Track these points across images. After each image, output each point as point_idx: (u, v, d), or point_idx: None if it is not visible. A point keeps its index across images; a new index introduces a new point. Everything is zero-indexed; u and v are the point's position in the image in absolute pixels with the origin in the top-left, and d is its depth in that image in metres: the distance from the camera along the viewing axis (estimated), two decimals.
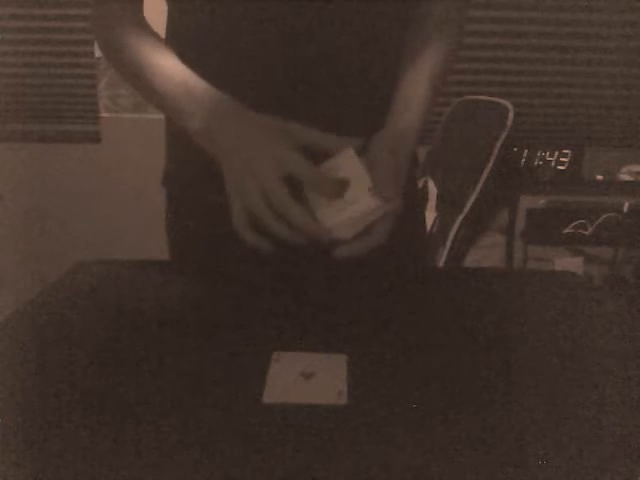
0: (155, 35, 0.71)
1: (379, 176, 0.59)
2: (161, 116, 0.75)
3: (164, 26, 0.78)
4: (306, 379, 0.48)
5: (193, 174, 0.79)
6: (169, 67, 0.67)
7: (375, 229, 0.60)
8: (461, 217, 1.80)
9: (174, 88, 0.65)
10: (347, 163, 0.59)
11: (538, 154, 2.32)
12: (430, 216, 1.92)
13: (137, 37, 0.70)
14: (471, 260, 1.94)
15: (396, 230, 0.62)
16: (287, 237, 0.58)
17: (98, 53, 2.36)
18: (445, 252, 1.80)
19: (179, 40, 0.75)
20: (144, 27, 0.72)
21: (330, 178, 0.58)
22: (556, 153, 2.32)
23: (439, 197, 1.93)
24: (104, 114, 2.44)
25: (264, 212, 0.57)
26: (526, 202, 2.24)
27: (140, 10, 0.74)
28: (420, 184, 1.96)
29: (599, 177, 2.36)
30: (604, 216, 2.20)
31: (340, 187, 0.58)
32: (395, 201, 0.60)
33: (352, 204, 0.58)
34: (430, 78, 0.72)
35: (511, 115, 1.83)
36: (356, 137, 0.59)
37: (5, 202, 2.44)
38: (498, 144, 1.80)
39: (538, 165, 2.32)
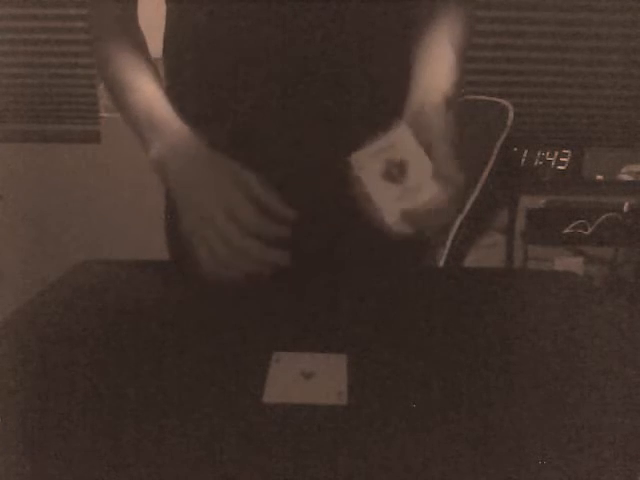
0: (141, 49, 0.71)
1: (437, 156, 0.52)
2: None
3: (164, 26, 0.78)
4: (306, 379, 0.48)
5: None
6: (142, 90, 0.66)
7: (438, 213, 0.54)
8: (461, 217, 1.80)
9: (139, 114, 0.65)
10: (403, 143, 0.52)
11: (538, 154, 2.32)
12: None
13: (122, 51, 0.69)
14: (471, 260, 1.93)
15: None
16: (249, 268, 0.58)
17: None
18: (445, 252, 1.80)
19: (178, 40, 0.75)
20: (133, 38, 0.72)
21: (388, 159, 0.51)
22: (556, 153, 2.32)
23: None
24: (104, 114, 2.44)
25: (220, 251, 0.57)
26: (526, 202, 2.24)
27: (134, 18, 0.74)
28: None
29: (599, 177, 2.36)
30: (604, 216, 2.20)
31: (400, 170, 0.52)
32: (460, 182, 0.53)
33: (415, 192, 0.51)
34: (451, 40, 0.68)
35: (511, 115, 1.83)
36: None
37: (5, 202, 2.44)
38: (498, 144, 1.81)
39: (538, 165, 2.32)
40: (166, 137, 0.63)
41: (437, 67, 0.64)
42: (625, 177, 2.36)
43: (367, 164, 0.54)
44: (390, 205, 0.53)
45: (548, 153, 2.32)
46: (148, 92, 0.66)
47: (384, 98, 0.73)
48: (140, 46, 0.72)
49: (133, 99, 0.66)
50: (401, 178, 0.52)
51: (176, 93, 0.74)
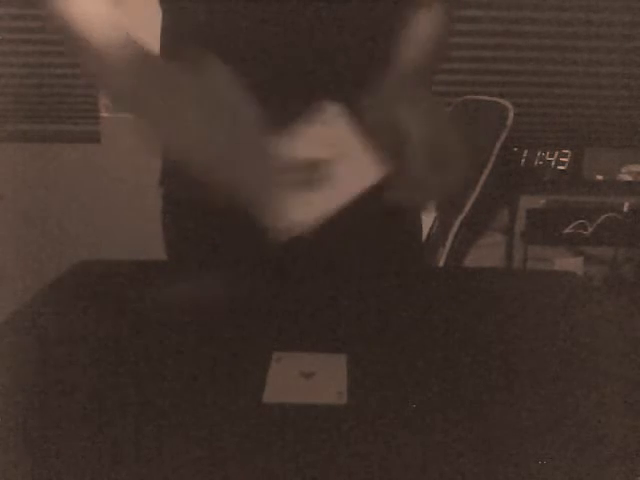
0: None
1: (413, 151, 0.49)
2: None
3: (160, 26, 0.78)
4: (306, 379, 0.48)
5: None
6: None
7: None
8: (461, 217, 1.80)
9: None
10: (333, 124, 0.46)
11: (538, 154, 2.32)
12: (430, 216, 1.92)
13: None
14: (471, 260, 1.93)
15: (393, 230, 0.62)
16: None
17: None
18: (445, 252, 1.80)
19: (176, 40, 0.75)
20: None
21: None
22: (556, 153, 2.32)
23: None
24: (104, 114, 2.44)
25: None
26: (526, 202, 2.24)
27: None
28: None
29: (599, 177, 2.36)
30: (604, 216, 2.20)
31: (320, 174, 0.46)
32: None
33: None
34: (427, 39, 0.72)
35: (511, 115, 1.83)
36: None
37: (5, 202, 2.44)
38: (498, 144, 1.81)
39: (538, 165, 2.32)
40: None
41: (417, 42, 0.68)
42: (625, 177, 2.36)
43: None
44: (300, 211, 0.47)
45: (548, 153, 2.32)
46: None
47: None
48: None
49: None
50: (318, 183, 0.46)
51: None
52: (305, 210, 0.47)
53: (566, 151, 2.31)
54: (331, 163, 0.47)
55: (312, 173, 0.47)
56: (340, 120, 0.48)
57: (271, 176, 0.45)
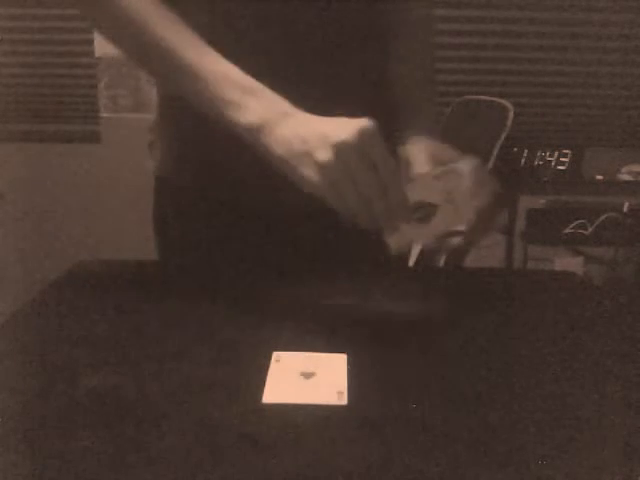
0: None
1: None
2: None
3: None
4: (306, 379, 0.48)
5: (191, 170, 0.79)
6: (214, 58, 0.63)
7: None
8: None
9: (222, 77, 0.62)
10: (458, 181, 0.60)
11: (538, 154, 2.32)
12: None
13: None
14: (471, 260, 1.93)
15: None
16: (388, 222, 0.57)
17: (98, 53, 2.36)
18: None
19: None
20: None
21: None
22: (556, 153, 2.32)
23: None
24: (104, 114, 2.44)
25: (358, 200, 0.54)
26: (526, 202, 2.24)
27: None
28: None
29: (599, 177, 2.36)
30: (604, 216, 2.20)
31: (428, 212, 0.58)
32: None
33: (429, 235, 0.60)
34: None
35: (511, 115, 1.83)
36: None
37: (5, 202, 2.44)
38: (498, 144, 1.80)
39: (538, 165, 2.32)
40: (267, 100, 0.60)
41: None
42: (625, 177, 2.36)
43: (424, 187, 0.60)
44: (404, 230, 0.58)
45: (548, 153, 2.32)
46: (222, 61, 0.63)
47: (384, 97, 0.74)
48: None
49: (208, 67, 0.62)
50: (426, 218, 0.59)
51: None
52: (412, 237, 0.60)
53: (566, 151, 2.31)
54: (438, 207, 0.59)
55: (422, 212, 0.59)
56: (469, 174, 0.60)
57: (398, 213, 0.57)
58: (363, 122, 0.53)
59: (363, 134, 0.53)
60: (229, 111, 0.61)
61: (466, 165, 0.60)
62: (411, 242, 0.60)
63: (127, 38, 0.66)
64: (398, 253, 0.59)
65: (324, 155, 0.53)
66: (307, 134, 0.56)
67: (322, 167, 0.54)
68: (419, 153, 0.64)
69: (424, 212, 0.59)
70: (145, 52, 0.65)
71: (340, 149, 0.53)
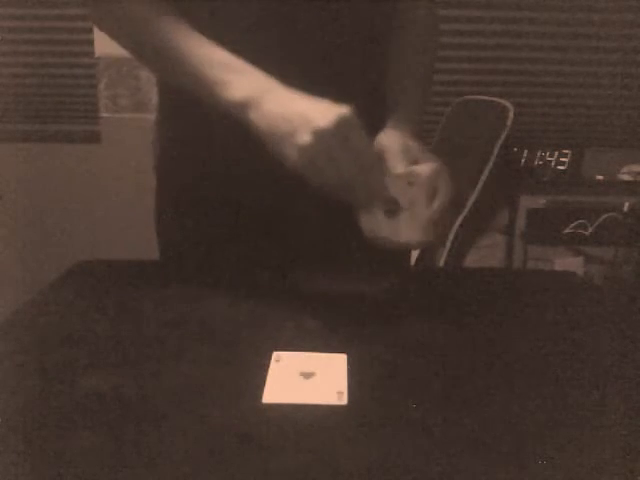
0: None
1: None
2: None
3: None
4: (306, 379, 0.48)
5: (191, 170, 0.79)
6: (206, 44, 0.64)
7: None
8: (461, 217, 1.80)
9: (210, 57, 0.63)
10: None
11: (538, 154, 2.32)
12: None
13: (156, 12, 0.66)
14: (471, 260, 1.93)
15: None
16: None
17: (98, 53, 2.36)
18: (445, 252, 1.80)
19: None
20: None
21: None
22: (556, 153, 2.32)
23: None
24: (104, 114, 2.44)
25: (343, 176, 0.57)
26: (526, 202, 2.24)
27: None
28: None
29: (599, 177, 2.36)
30: (604, 216, 2.20)
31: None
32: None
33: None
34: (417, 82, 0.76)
35: (511, 115, 1.83)
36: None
37: (5, 202, 2.44)
38: (498, 144, 1.80)
39: (538, 165, 2.32)
40: (252, 76, 0.61)
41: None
42: (625, 177, 2.36)
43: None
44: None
45: (548, 153, 2.32)
46: (207, 43, 0.64)
47: (383, 98, 0.74)
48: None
49: (193, 50, 0.63)
50: (393, 214, 0.61)
51: (175, 93, 0.74)
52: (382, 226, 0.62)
53: (566, 151, 2.31)
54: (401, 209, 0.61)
55: (390, 207, 0.61)
56: (425, 179, 0.62)
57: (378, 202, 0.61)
58: (343, 110, 0.56)
59: (342, 122, 0.56)
60: (216, 90, 0.62)
61: (424, 170, 0.62)
62: (381, 230, 0.61)
63: (120, 28, 0.69)
64: (370, 237, 0.61)
65: (305, 138, 0.56)
66: (291, 114, 0.58)
67: (302, 149, 0.56)
68: (391, 146, 0.64)
69: (392, 207, 0.61)
70: (136, 40, 0.68)
71: (320, 135, 0.55)
